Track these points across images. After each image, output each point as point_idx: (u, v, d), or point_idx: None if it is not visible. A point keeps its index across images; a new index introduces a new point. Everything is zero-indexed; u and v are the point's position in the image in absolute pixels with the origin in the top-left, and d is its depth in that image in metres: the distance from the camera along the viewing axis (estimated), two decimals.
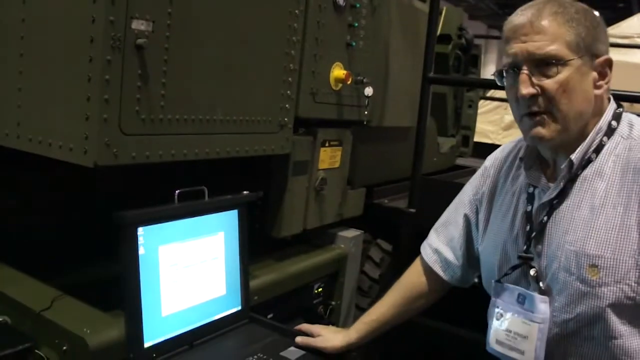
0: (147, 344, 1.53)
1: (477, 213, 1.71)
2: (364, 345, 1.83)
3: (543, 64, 1.35)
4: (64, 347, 1.49)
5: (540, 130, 1.38)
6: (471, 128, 4.75)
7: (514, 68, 1.39)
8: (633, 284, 1.31)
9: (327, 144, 2.35)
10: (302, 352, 1.72)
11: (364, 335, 1.78)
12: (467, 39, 4.37)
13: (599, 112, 1.42)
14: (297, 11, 2.02)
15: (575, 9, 1.38)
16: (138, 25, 1.46)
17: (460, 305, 2.08)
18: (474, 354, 1.90)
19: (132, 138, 1.51)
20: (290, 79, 2.04)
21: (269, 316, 2.00)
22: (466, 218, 1.73)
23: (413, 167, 2.88)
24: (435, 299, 1.83)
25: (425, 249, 1.83)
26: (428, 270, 1.81)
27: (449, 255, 1.77)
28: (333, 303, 2.51)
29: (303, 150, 2.22)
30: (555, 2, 1.38)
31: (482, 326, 1.63)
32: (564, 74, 1.34)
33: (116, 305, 1.60)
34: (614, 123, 1.42)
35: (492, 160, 1.71)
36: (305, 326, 1.82)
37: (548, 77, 1.35)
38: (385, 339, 1.93)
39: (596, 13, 1.41)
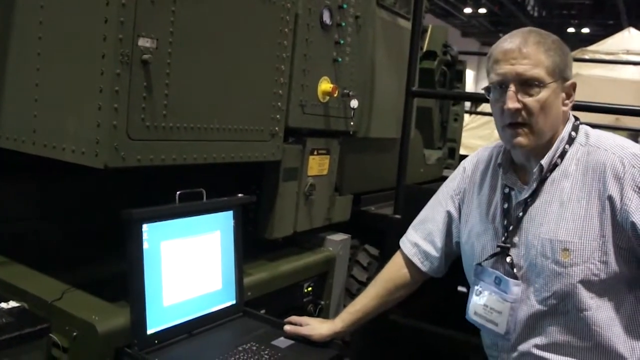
0: (149, 331, 1.68)
1: (459, 209, 1.91)
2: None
3: (527, 84, 1.57)
4: (75, 333, 1.63)
5: (520, 140, 1.62)
6: (457, 140, 4.92)
7: (502, 85, 1.61)
8: (597, 262, 1.55)
9: (315, 153, 2.51)
10: (291, 342, 1.86)
11: (348, 324, 1.93)
12: (452, 55, 4.58)
13: (562, 124, 1.67)
14: (286, 30, 2.19)
15: (551, 39, 1.62)
16: (144, 42, 1.63)
17: (451, 308, 2.22)
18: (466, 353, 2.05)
19: (138, 143, 1.67)
20: (280, 91, 2.21)
21: (262, 312, 2.11)
22: (448, 214, 1.93)
23: (398, 175, 3.01)
24: (412, 290, 2.00)
25: (405, 244, 2.01)
26: (407, 262, 1.98)
27: (428, 248, 1.95)
28: (322, 302, 2.64)
29: (293, 158, 2.38)
30: (537, 33, 1.62)
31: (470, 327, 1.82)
32: (543, 94, 1.58)
33: (120, 297, 1.75)
34: (573, 133, 1.67)
35: (469, 162, 1.93)
36: (294, 318, 1.96)
37: (530, 95, 1.57)
38: (379, 341, 2.03)
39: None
